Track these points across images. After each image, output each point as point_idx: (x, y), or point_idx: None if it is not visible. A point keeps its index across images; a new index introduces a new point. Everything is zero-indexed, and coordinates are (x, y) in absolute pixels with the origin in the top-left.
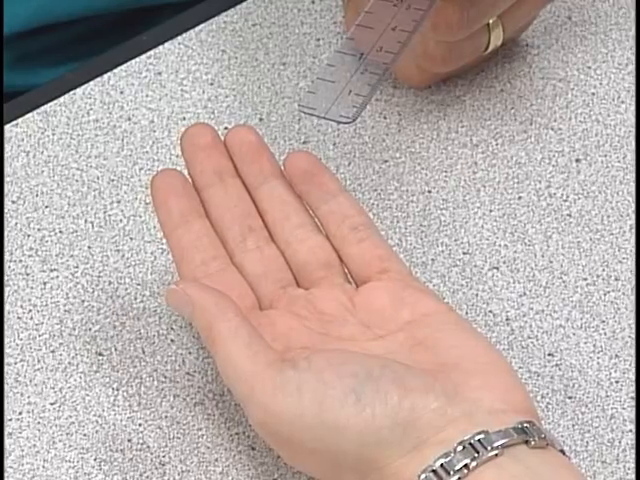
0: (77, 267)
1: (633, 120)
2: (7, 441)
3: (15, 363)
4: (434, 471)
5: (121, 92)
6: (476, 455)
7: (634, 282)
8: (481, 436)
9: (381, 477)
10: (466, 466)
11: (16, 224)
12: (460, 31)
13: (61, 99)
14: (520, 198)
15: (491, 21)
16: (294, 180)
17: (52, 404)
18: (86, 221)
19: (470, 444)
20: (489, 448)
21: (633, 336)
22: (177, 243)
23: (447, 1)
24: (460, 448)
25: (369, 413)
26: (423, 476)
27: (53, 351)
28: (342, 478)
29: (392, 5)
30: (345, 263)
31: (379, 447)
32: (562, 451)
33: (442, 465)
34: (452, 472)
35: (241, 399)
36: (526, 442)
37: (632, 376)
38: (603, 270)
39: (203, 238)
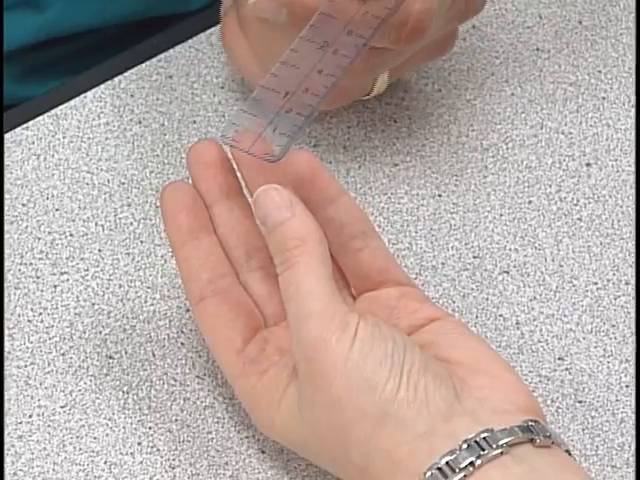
0: (87, 270)
1: None
2: (17, 444)
3: (25, 366)
4: (439, 469)
5: (132, 95)
6: (481, 453)
7: None
8: (486, 434)
9: (387, 463)
10: (471, 464)
11: (27, 227)
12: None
13: (72, 102)
14: (530, 202)
15: None
16: (293, 184)
17: (62, 407)
18: (96, 224)
19: (475, 442)
20: (494, 446)
21: None
22: (185, 260)
23: None
24: (465, 446)
25: (396, 382)
26: (429, 473)
27: (63, 354)
28: (348, 453)
29: (318, 47)
30: (344, 273)
31: (396, 422)
32: (567, 451)
33: (447, 463)
34: (457, 470)
35: (300, 316)
36: (531, 440)
37: None
38: (613, 274)
39: (211, 256)
